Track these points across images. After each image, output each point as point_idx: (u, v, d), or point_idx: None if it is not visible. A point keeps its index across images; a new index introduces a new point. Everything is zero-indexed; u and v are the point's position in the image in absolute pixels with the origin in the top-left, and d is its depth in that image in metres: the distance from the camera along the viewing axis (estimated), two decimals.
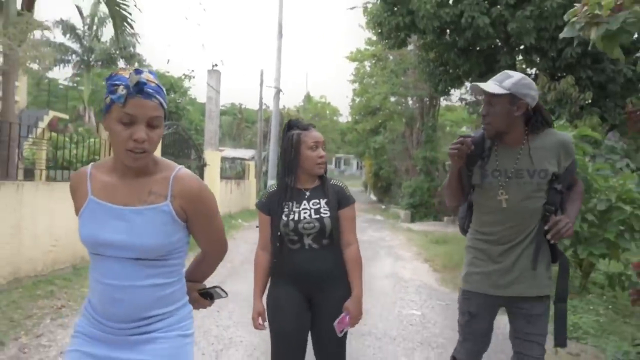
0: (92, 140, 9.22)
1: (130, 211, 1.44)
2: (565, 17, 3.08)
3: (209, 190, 1.56)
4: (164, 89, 1.47)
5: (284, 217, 2.25)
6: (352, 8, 19.57)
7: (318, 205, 2.26)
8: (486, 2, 12.50)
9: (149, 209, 1.44)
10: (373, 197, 29.48)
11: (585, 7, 2.90)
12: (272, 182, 19.67)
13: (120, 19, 6.86)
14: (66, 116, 17.00)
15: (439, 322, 4.77)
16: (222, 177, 13.97)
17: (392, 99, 23.71)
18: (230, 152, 26.08)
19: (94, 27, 27.40)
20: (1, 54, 5.80)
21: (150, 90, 1.39)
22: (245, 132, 50.52)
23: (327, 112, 46.31)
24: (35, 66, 6.56)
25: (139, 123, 1.38)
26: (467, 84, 15.30)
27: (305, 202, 2.27)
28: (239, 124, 50.70)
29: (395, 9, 14.03)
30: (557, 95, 12.16)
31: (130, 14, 6.91)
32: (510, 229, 2.18)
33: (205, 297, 1.67)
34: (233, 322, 4.55)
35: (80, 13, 25.86)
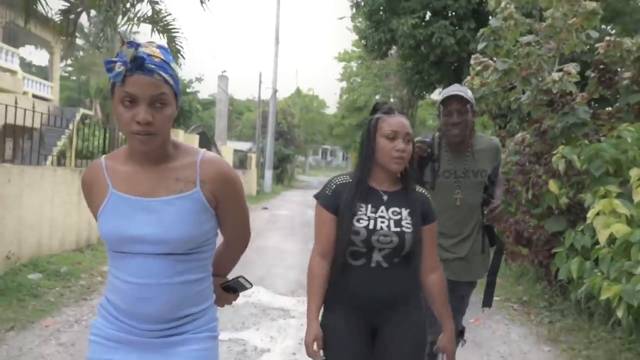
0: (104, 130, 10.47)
1: (159, 202, 1.29)
2: (463, 83, 5.81)
3: (235, 172, 1.42)
4: (171, 64, 1.28)
5: (355, 222, 1.76)
6: (341, 18, 22.18)
7: (399, 216, 1.79)
8: (452, 25, 15.23)
9: (178, 197, 1.29)
10: None
11: (468, 81, 5.65)
12: (269, 172, 22.30)
13: (175, 52, 9.41)
14: (92, 112, 19.34)
15: None
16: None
17: (377, 96, 26.47)
18: (228, 144, 28.54)
19: (101, 26, 29.47)
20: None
21: (152, 66, 1.21)
22: (235, 124, 52.81)
23: (315, 104, 48.57)
24: None
25: (141, 103, 1.21)
26: (438, 90, 18.10)
27: (383, 208, 1.80)
28: (230, 116, 52.81)
29: (378, 26, 16.65)
30: (509, 103, 14.94)
31: (182, 47, 9.46)
32: (458, 223, 2.37)
33: (229, 290, 1.53)
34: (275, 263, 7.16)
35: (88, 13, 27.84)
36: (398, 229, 1.76)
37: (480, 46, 5.28)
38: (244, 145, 28.50)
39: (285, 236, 9.59)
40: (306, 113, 40.89)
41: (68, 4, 8.27)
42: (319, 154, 67.17)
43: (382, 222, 1.77)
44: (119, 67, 1.20)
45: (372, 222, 1.76)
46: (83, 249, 6.25)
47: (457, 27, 15.24)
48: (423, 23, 15.70)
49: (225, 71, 17.11)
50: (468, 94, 2.34)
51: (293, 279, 5.82)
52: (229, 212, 1.39)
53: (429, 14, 15.95)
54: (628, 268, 3.69)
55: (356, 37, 25.42)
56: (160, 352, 1.33)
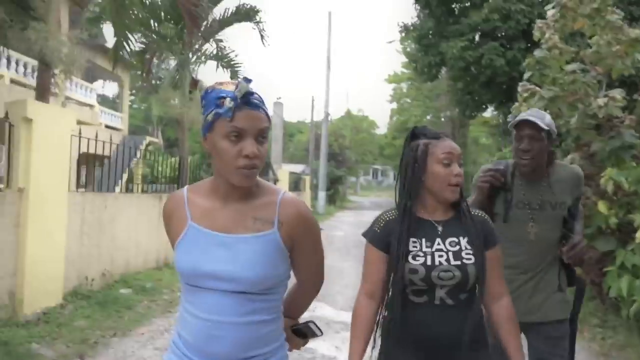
0: (174, 159, 10.87)
1: (235, 239, 1.29)
2: (511, 109, 6.07)
3: (313, 215, 1.40)
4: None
5: (411, 260, 1.62)
6: (390, 42, 22.78)
7: (457, 247, 1.64)
8: (502, 47, 15.37)
9: (255, 237, 1.29)
10: None
11: (516, 107, 5.90)
12: (322, 194, 22.85)
13: (236, 78, 10.17)
14: (157, 140, 20.67)
15: None
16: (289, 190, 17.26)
17: (428, 117, 26.69)
18: (283, 167, 29.45)
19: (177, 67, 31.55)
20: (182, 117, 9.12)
21: (256, 101, 1.25)
22: (286, 146, 54.12)
23: (365, 125, 48.99)
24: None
25: (248, 137, 1.23)
26: (490, 109, 18.16)
27: (439, 240, 1.65)
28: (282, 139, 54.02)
29: (427, 50, 17.02)
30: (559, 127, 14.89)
31: (239, 67, 10.12)
32: (533, 259, 2.19)
33: (298, 334, 1.49)
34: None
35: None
36: (458, 262, 1.60)
37: (526, 75, 5.57)
38: (296, 168, 29.27)
39: (341, 256, 10.01)
40: (356, 134, 41.39)
41: (143, 46, 9.20)
42: (370, 174, 67.37)
43: (441, 256, 1.62)
44: (229, 103, 1.22)
45: (429, 257, 1.61)
46: (162, 267, 6.94)
47: (507, 48, 15.36)
48: (472, 45, 15.92)
49: (280, 98, 17.91)
50: (545, 120, 2.18)
51: (351, 296, 6.20)
52: (304, 255, 1.38)
53: (478, 35, 16.17)
54: None
55: (405, 59, 25.94)
56: None
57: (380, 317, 1.71)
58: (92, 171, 15.71)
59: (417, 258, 1.62)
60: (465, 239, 1.64)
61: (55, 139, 4.61)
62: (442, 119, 24.95)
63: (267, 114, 1.29)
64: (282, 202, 1.32)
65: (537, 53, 5.42)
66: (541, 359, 2.19)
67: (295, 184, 21.14)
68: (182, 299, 1.36)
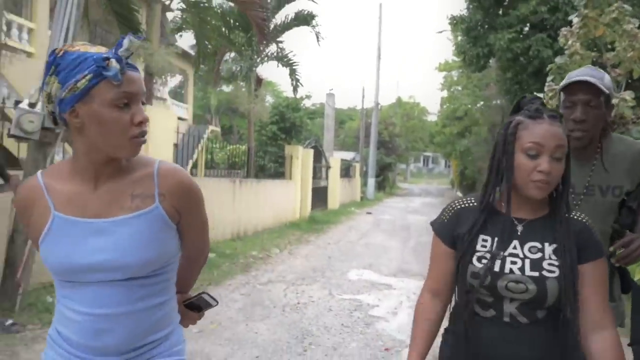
0: (233, 146, 12.45)
1: (112, 223, 1.14)
2: None
3: (195, 182, 1.28)
4: None
5: (475, 262, 1.33)
6: (440, 32, 23.22)
7: (539, 254, 1.31)
8: (549, 38, 15.72)
9: (135, 216, 1.15)
10: (459, 194, 32.74)
11: None
12: (371, 180, 23.86)
13: (295, 81, 11.36)
14: (217, 128, 22.31)
15: None
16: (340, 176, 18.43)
17: (478, 105, 27.04)
18: (335, 155, 30.59)
19: (246, 69, 33.32)
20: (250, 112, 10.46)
21: (131, 62, 1.11)
22: (337, 133, 55.11)
23: (416, 112, 49.09)
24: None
25: (136, 102, 1.11)
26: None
27: (516, 242, 1.33)
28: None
29: (476, 41, 17.57)
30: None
31: (300, 77, 11.40)
32: None
33: (192, 308, 1.39)
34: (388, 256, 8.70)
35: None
36: (536, 273, 1.28)
37: (548, 79, 6.39)
38: (346, 155, 30.36)
39: (387, 236, 11.09)
40: (407, 121, 41.84)
41: (215, 49, 10.59)
42: (420, 161, 67.43)
43: (514, 262, 1.31)
44: (115, 64, 1.07)
45: (498, 262, 1.31)
46: (235, 239, 8.33)
47: (555, 39, 15.64)
48: (520, 36, 16.31)
49: (332, 89, 19.03)
50: (605, 81, 1.71)
51: (394, 266, 7.32)
52: (191, 226, 1.27)
53: (526, 27, 16.51)
54: None
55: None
56: None
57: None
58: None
59: (483, 260, 1.32)
60: (553, 247, 1.32)
61: (164, 134, 5.96)
62: (491, 108, 25.30)
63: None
64: (160, 172, 1.20)
65: (558, 60, 6.23)
66: None
67: (346, 170, 22.27)
68: (57, 294, 1.21)
